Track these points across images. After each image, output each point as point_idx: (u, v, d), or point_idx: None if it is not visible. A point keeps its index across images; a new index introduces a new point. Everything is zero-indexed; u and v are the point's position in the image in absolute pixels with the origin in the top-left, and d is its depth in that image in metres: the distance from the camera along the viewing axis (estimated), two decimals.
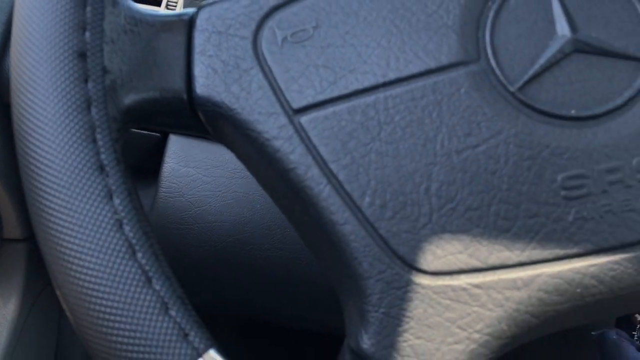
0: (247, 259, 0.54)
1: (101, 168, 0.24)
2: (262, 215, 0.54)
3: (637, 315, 0.49)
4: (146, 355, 0.23)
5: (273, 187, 0.29)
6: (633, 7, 0.27)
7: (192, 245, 0.54)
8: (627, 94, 0.26)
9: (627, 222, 0.25)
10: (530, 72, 0.26)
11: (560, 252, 0.25)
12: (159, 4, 0.59)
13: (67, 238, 0.23)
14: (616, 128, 0.26)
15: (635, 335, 0.49)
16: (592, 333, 0.49)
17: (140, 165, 0.58)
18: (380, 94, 0.27)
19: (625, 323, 0.50)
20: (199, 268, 0.54)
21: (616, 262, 0.25)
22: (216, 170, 0.55)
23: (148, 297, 0.24)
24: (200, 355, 0.23)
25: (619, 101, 0.26)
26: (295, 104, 0.27)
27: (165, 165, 0.56)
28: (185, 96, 0.28)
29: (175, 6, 0.60)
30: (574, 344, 0.54)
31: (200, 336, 0.24)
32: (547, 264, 0.25)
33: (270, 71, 0.28)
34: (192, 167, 0.55)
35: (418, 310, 0.25)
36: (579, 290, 0.25)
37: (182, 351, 0.23)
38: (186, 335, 0.23)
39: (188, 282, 0.55)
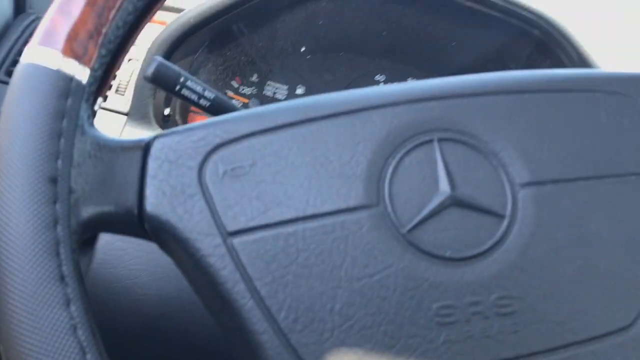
0: (171, 332, 0.58)
1: (62, 278, 0.29)
2: (188, 290, 0.58)
3: None
4: None
5: (205, 295, 0.34)
6: (498, 175, 0.35)
7: (120, 316, 0.58)
8: (490, 243, 0.34)
9: (484, 346, 0.32)
10: (418, 219, 0.33)
11: None
12: (110, 88, 0.64)
13: (28, 340, 0.27)
14: (480, 269, 0.33)
15: None
16: None
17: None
18: (300, 226, 0.33)
19: None
20: (126, 338, 0.58)
21: None
22: (148, 246, 0.59)
23: (70, 344, 0.28)
24: None
25: (484, 247, 0.33)
26: (230, 228, 0.33)
27: (101, 237, 0.59)
28: (136, 212, 0.33)
29: (125, 90, 0.65)
30: None
31: None
32: None
33: (211, 198, 0.33)
34: (126, 242, 0.59)
35: None
36: None
37: None
38: None
39: (114, 351, 0.58)
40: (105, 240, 0.59)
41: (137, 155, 0.34)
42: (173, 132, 0.35)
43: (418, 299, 0.32)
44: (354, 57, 0.72)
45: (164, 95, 0.64)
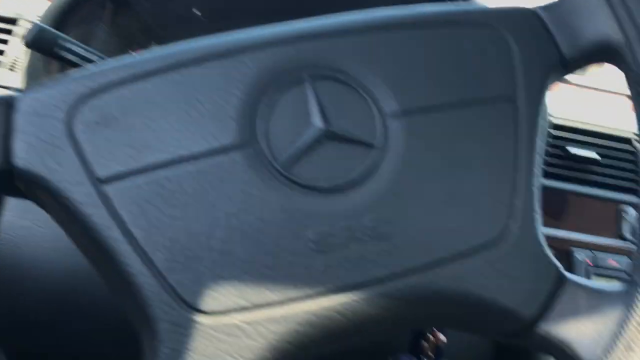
0: (81, 305, 0.57)
1: None
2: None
3: (424, 342, 0.58)
4: None
5: (81, 244, 0.34)
6: (369, 107, 0.36)
7: (28, 292, 0.56)
8: (362, 172, 0.35)
9: (359, 267, 0.33)
10: (292, 154, 0.34)
11: (310, 292, 0.33)
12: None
13: None
14: (353, 197, 0.34)
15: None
16: (388, 358, 0.58)
17: None
18: (173, 169, 0.33)
19: (415, 349, 0.59)
20: (34, 314, 0.57)
21: (353, 300, 0.33)
22: (51, 222, 0.57)
23: None
24: None
25: (356, 176, 0.34)
26: (101, 175, 0.33)
27: (3, 218, 0.58)
28: (5, 167, 0.33)
29: (19, 67, 0.63)
30: None
31: None
32: (300, 302, 0.33)
33: (81, 147, 0.33)
34: (29, 220, 0.58)
35: (199, 344, 0.31)
36: (326, 322, 0.33)
37: None
38: None
39: (24, 328, 0.57)
40: (8, 220, 0.58)
41: (1, 110, 0.33)
42: (40, 86, 0.34)
43: (294, 229, 0.33)
44: (254, 21, 0.72)
45: (57, 69, 0.63)
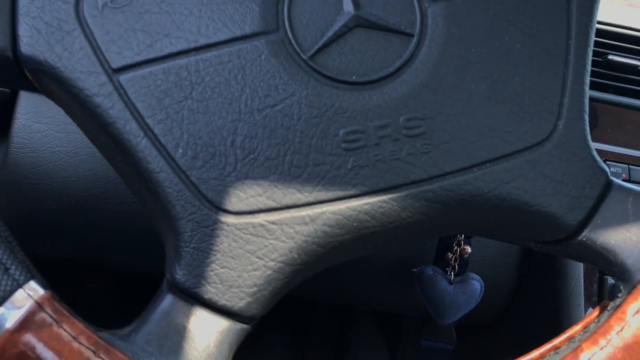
0: (100, 212, 0.56)
1: None
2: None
3: (449, 254, 0.57)
4: None
5: (97, 139, 0.32)
6: None
7: (45, 199, 0.55)
8: (397, 64, 0.32)
9: (393, 168, 0.31)
10: (320, 43, 0.31)
11: (340, 193, 0.31)
12: None
13: None
14: (387, 92, 0.31)
15: (448, 271, 0.57)
16: (413, 270, 0.57)
17: None
18: (192, 57, 0.30)
19: (440, 261, 0.58)
20: (52, 222, 0.56)
21: (384, 201, 0.31)
22: (68, 126, 0.56)
23: None
24: (20, 286, 0.26)
25: (391, 69, 0.31)
26: (115, 64, 0.30)
27: (16, 121, 0.56)
28: (10, 54, 0.30)
29: None
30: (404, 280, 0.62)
31: (21, 270, 0.27)
32: (330, 204, 0.31)
33: (92, 33, 0.30)
34: (44, 123, 0.56)
35: (223, 244, 0.30)
36: (355, 224, 0.31)
37: (3, 282, 0.26)
38: (7, 269, 0.26)
39: (42, 236, 0.57)
40: (22, 123, 0.56)
41: None
42: None
43: (323, 126, 0.31)
44: None
45: None
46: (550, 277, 0.61)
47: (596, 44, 0.69)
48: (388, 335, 0.85)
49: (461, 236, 0.56)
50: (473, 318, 0.59)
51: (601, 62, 0.67)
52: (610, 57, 0.67)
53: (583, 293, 0.59)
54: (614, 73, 0.68)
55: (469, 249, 0.56)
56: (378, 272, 0.61)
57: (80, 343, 0.26)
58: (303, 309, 0.90)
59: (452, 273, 0.57)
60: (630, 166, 0.63)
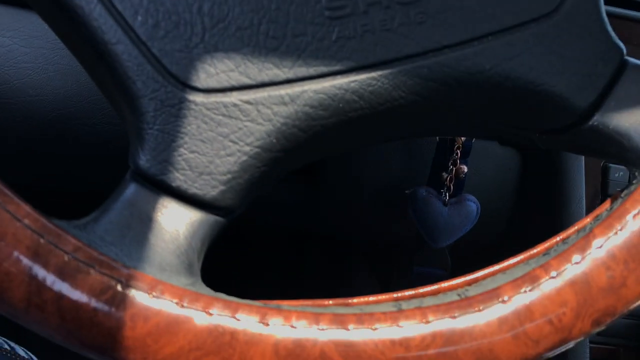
0: (73, 133, 0.52)
1: None
2: (89, 89, 0.52)
3: (444, 174, 0.54)
4: None
5: (46, 12, 0.28)
6: None
7: (12, 120, 0.52)
8: None
9: (384, 41, 0.27)
10: None
11: (324, 69, 0.27)
12: None
13: None
14: None
15: (443, 193, 0.54)
16: (405, 191, 0.54)
17: None
18: None
19: (435, 182, 0.55)
20: (20, 143, 0.52)
21: (374, 79, 0.28)
22: (35, 41, 0.52)
23: None
24: None
25: None
26: None
27: None
28: None
29: None
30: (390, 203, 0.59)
31: None
32: (312, 81, 0.27)
33: None
34: (8, 37, 0.51)
35: (192, 126, 0.26)
36: (341, 105, 0.28)
37: None
38: None
39: (8, 158, 0.53)
40: None
41: None
42: None
43: None
44: None
45: None
46: (550, 198, 0.58)
47: None
48: (380, 266, 0.83)
49: (457, 155, 0.53)
50: (469, 242, 0.56)
51: None
52: None
53: (585, 215, 0.57)
54: None
55: (465, 168, 0.53)
56: (368, 197, 0.58)
57: (26, 225, 0.23)
58: (295, 244, 0.87)
59: (447, 194, 0.54)
60: None
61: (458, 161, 0.53)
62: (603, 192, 0.56)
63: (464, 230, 0.54)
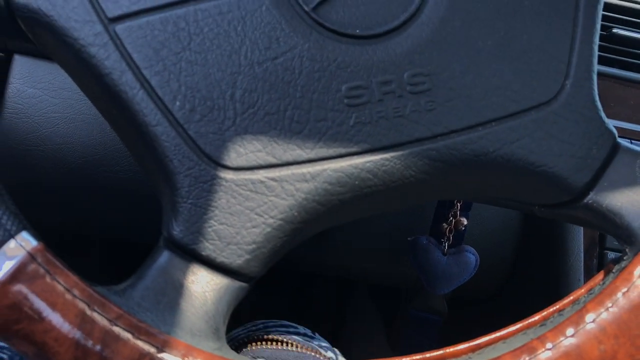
0: (97, 180, 0.55)
1: None
2: (113, 137, 0.55)
3: (444, 225, 0.57)
4: None
5: (92, 92, 0.31)
6: None
7: (40, 166, 0.54)
8: (403, 17, 0.31)
9: (397, 126, 0.30)
10: None
11: (342, 150, 0.30)
12: None
13: None
14: (392, 47, 0.30)
15: (443, 242, 0.57)
16: (408, 239, 0.57)
17: None
18: (191, 7, 0.29)
19: (436, 232, 0.57)
20: (47, 188, 0.55)
21: (387, 159, 0.30)
22: (64, 92, 0.55)
23: None
24: (12, 237, 0.25)
25: (396, 23, 0.31)
26: (111, 13, 0.29)
27: (10, 86, 0.55)
28: (2, 3, 0.29)
29: None
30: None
31: (13, 220, 0.26)
32: (332, 161, 0.30)
33: None
34: (39, 89, 0.55)
35: (222, 200, 0.29)
36: (357, 182, 0.30)
37: None
38: None
39: (36, 201, 0.56)
40: (16, 88, 0.55)
41: None
42: None
43: (325, 81, 0.30)
44: None
45: None
46: (549, 252, 0.61)
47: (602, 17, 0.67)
48: (384, 308, 0.85)
49: (457, 207, 0.56)
50: (469, 291, 0.58)
51: (605, 35, 0.66)
52: (614, 30, 0.66)
53: (582, 268, 0.59)
54: (618, 47, 0.67)
55: (465, 221, 0.56)
56: (373, 241, 0.61)
57: (74, 295, 0.25)
58: (299, 280, 0.89)
59: (447, 244, 0.57)
60: (632, 141, 0.63)
61: (458, 213, 0.56)
62: (600, 257, 0.58)
63: (462, 280, 0.56)
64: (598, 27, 0.33)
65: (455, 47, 0.31)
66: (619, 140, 0.33)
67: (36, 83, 0.55)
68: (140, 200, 0.56)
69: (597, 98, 0.32)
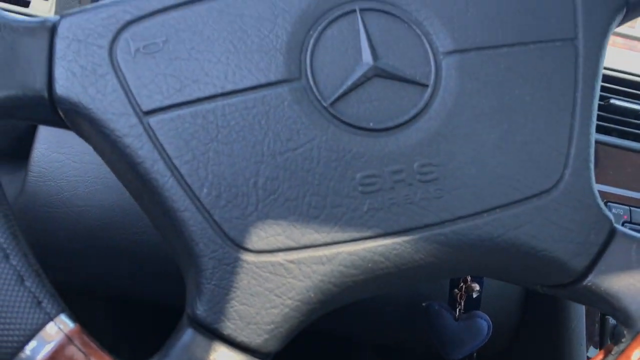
0: (115, 241, 0.57)
1: None
2: (130, 200, 0.57)
3: (455, 291, 0.58)
4: (2, 320, 0.27)
5: (125, 178, 0.33)
6: (421, 44, 0.34)
7: (61, 228, 0.57)
8: (412, 112, 0.33)
9: (407, 212, 0.33)
10: (340, 91, 0.33)
11: (356, 235, 0.32)
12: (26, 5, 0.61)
13: None
14: (403, 138, 0.33)
15: (457, 308, 0.58)
16: (422, 304, 0.58)
17: (10, 150, 0.59)
18: (219, 102, 0.32)
19: (451, 298, 0.59)
20: (68, 249, 0.57)
21: (398, 244, 0.32)
22: (85, 157, 0.57)
23: (5, 271, 0.28)
24: (51, 319, 0.27)
25: (406, 117, 0.33)
26: (145, 107, 0.32)
27: (35, 150, 0.58)
28: (46, 95, 0.32)
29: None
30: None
31: (52, 303, 0.28)
32: (346, 244, 0.32)
33: (124, 77, 0.32)
34: (62, 153, 0.57)
35: (243, 282, 0.31)
36: (370, 265, 0.32)
37: (35, 316, 0.27)
38: (39, 302, 0.27)
39: (57, 263, 0.58)
40: (41, 153, 0.57)
41: (43, 36, 0.32)
42: (81, 11, 0.33)
43: (341, 170, 0.32)
44: None
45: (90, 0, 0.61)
46: (552, 316, 0.62)
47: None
48: None
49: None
50: (481, 356, 0.59)
51: (603, 105, 0.69)
52: (612, 101, 0.69)
53: (585, 332, 0.60)
54: (615, 117, 0.70)
55: (477, 287, 0.57)
56: (389, 306, 0.62)
57: None
58: (304, 339, 0.90)
59: (459, 310, 0.58)
60: (631, 208, 0.65)
61: (468, 280, 0.57)
62: (601, 322, 0.60)
63: (475, 346, 0.57)
64: (594, 119, 0.35)
65: (461, 140, 0.33)
66: (616, 225, 0.35)
67: (60, 148, 0.57)
68: (155, 261, 0.58)
69: (594, 186, 0.35)
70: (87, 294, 0.62)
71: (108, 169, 0.58)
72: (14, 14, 0.33)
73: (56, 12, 0.60)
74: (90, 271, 0.59)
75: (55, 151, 0.57)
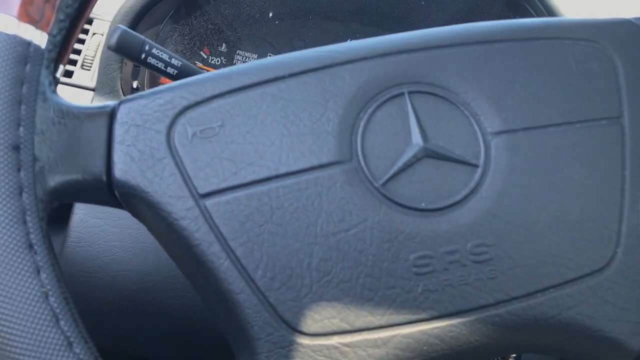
0: (151, 306, 0.57)
1: (30, 246, 0.28)
2: (167, 265, 0.58)
3: None
4: None
5: (180, 259, 0.34)
6: (470, 125, 0.34)
7: (99, 292, 0.57)
8: (464, 192, 0.34)
9: (462, 293, 0.32)
10: (391, 172, 0.33)
11: (411, 317, 0.32)
12: (74, 63, 0.62)
13: None
14: (455, 219, 0.33)
15: None
16: None
17: (51, 214, 0.60)
18: (273, 184, 0.33)
19: None
20: (105, 314, 0.57)
21: (454, 325, 0.32)
22: (124, 222, 0.58)
23: (57, 337, 0.28)
24: None
25: (458, 197, 0.33)
26: (202, 190, 0.32)
27: (75, 215, 0.58)
28: (104, 178, 0.33)
29: (91, 65, 0.63)
30: None
31: None
32: (401, 327, 0.32)
33: (181, 161, 0.33)
34: (101, 219, 0.58)
35: None
36: (425, 347, 0.32)
37: None
38: None
39: (94, 328, 0.58)
40: (79, 218, 0.58)
41: (103, 121, 0.33)
42: (139, 97, 0.34)
43: (395, 251, 0.32)
44: (323, 21, 0.71)
45: (131, 68, 0.63)
46: None
47: None
48: None
49: None
50: None
51: None
52: None
53: None
54: None
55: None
56: None
57: None
58: None
59: None
60: None
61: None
62: None
63: None
64: None
65: (513, 219, 0.33)
66: None
67: (98, 213, 0.58)
68: (191, 326, 0.57)
69: None
70: (123, 357, 0.61)
71: (146, 234, 0.59)
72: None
73: (98, 81, 0.62)
74: (127, 335, 0.58)
75: (93, 217, 0.58)
